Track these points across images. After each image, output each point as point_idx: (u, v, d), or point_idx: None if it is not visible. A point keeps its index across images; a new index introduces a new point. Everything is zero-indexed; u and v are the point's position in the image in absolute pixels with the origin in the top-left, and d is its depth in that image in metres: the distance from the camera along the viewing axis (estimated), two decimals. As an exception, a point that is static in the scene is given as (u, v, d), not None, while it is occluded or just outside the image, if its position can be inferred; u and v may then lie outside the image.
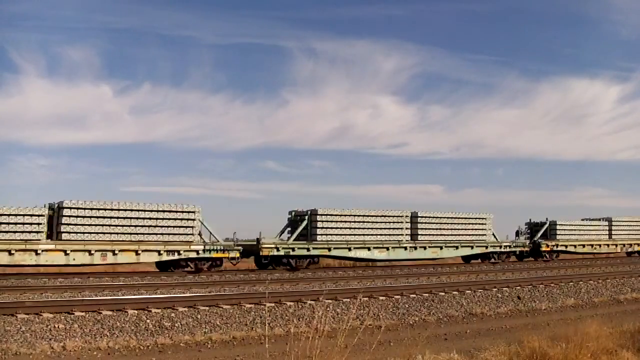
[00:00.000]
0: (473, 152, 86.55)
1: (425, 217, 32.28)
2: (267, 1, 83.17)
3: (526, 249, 36.38)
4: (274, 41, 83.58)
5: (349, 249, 29.14)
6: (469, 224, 33.98)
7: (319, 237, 28.46)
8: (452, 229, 32.94)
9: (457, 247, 32.83)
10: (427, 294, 16.70)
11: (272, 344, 11.09)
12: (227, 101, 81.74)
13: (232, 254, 26.04)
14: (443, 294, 16.95)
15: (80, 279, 21.37)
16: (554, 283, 20.21)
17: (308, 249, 27.98)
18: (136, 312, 12.53)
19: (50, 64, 74.87)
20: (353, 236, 29.43)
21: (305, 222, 28.78)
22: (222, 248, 25.90)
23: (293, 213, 29.65)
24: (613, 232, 41.60)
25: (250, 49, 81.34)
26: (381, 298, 15.79)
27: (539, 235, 37.99)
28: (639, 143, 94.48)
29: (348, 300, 15.12)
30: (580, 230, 39.93)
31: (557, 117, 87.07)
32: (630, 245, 42.27)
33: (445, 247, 32.29)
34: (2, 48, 72.34)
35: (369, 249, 29.68)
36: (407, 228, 31.38)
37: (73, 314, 12.09)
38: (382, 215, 30.71)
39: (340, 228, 29.20)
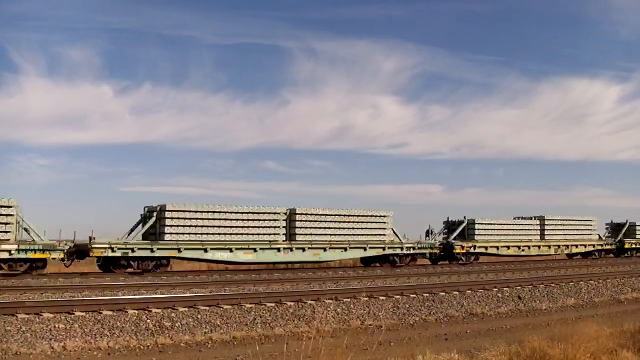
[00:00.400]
0: (473, 152, 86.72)
1: (305, 214, 28.79)
2: (267, 1, 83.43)
3: (436, 250, 32.54)
4: (274, 41, 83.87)
5: (205, 250, 25.81)
6: (363, 222, 30.41)
7: (166, 236, 25.28)
8: (339, 228, 29.53)
9: (345, 249, 29.21)
10: (427, 294, 16.70)
11: (272, 344, 11.11)
12: (227, 101, 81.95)
13: (54, 255, 22.86)
14: (443, 294, 16.95)
15: (80, 279, 21.39)
16: (555, 283, 20.22)
17: (152, 250, 24.58)
18: (136, 312, 12.53)
19: (51, 63, 75.12)
20: (210, 235, 26.15)
21: (153, 219, 25.76)
22: (41, 248, 22.66)
23: (146, 209, 26.62)
24: (546, 232, 37.96)
25: (250, 49, 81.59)
26: (381, 298, 15.79)
27: (454, 235, 34.29)
28: (639, 143, 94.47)
29: (348, 300, 15.13)
30: (504, 229, 36.09)
31: (557, 117, 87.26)
32: (567, 246, 38.51)
33: (330, 248, 28.70)
34: (2, 48, 72.53)
35: (230, 250, 26.31)
36: (283, 227, 28.16)
37: (73, 313, 12.09)
38: (249, 212, 27.34)
39: (195, 226, 25.92)
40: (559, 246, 38.03)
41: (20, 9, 68.24)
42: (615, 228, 43.66)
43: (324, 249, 28.67)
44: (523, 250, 36.17)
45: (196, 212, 26.13)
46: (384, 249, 30.44)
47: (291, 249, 27.87)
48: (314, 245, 28.43)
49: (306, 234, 28.59)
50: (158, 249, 24.83)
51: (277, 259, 27.79)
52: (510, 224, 36.89)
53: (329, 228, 29.29)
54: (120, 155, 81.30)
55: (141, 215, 26.62)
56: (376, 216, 31.06)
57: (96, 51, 76.76)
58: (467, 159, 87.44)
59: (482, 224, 35.18)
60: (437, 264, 32.79)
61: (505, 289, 18.33)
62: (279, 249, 27.55)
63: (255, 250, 26.91)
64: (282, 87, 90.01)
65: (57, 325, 11.41)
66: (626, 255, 41.55)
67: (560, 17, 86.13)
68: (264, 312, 13.62)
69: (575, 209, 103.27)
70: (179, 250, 25.31)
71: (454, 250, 32.82)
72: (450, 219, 35.99)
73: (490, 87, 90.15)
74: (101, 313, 12.25)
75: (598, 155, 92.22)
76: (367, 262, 31.05)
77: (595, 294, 19.50)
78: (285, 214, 28.49)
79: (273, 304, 14.14)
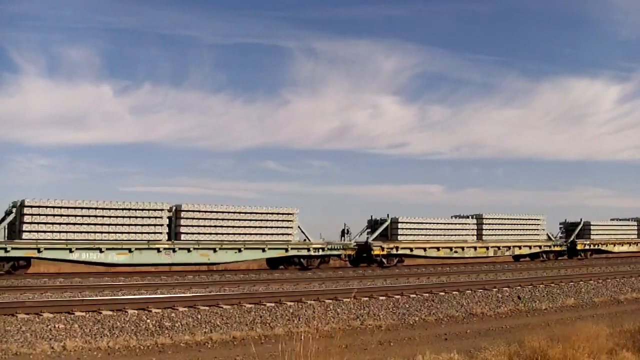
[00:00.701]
0: (473, 152, 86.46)
1: (192, 211, 25.84)
2: (267, 1, 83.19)
3: (350, 252, 29.23)
4: (274, 41, 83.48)
5: (70, 251, 22.92)
6: (262, 220, 27.27)
7: (25, 235, 22.64)
8: (233, 227, 26.44)
9: (239, 250, 26.23)
10: (427, 294, 16.71)
11: (272, 344, 11.11)
12: (227, 101, 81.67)
13: None
14: (443, 293, 16.96)
15: (80, 279, 21.38)
16: (554, 283, 20.22)
17: (6, 250, 21.88)
18: (136, 312, 12.54)
19: (51, 63, 74.85)
20: (78, 234, 23.37)
21: (12, 216, 23.02)
22: None
23: (10, 204, 23.85)
24: (484, 232, 34.40)
25: (250, 49, 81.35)
26: (381, 298, 15.80)
27: (375, 235, 31.26)
28: (639, 143, 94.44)
29: (348, 300, 15.14)
30: (434, 229, 32.65)
31: (557, 117, 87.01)
32: (509, 247, 34.99)
33: (221, 249, 25.73)
34: (2, 48, 72.33)
35: (101, 250, 23.41)
36: (166, 225, 25.21)
37: (73, 313, 12.09)
38: (124, 209, 24.41)
39: (59, 224, 23.12)
40: (498, 247, 34.58)
41: (20, 9, 68.17)
42: (568, 228, 40.30)
43: (214, 250, 25.72)
44: (456, 252, 32.80)
45: (60, 208, 23.36)
46: (286, 249, 27.33)
47: (174, 250, 24.92)
48: (201, 246, 25.45)
49: (193, 233, 25.59)
50: (13, 248, 22.16)
51: (158, 261, 24.93)
52: (442, 223, 33.39)
53: (221, 227, 26.22)
54: (120, 155, 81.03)
55: (5, 211, 23.91)
56: (278, 214, 27.84)
57: (96, 51, 76.57)
58: (467, 159, 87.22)
59: (406, 222, 31.93)
60: (358, 265, 30.02)
61: (505, 289, 18.34)
62: (159, 250, 24.61)
63: (130, 250, 24.07)
64: (282, 87, 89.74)
65: (57, 325, 11.42)
66: (579, 257, 38.15)
67: (560, 17, 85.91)
68: (264, 312, 13.63)
69: (576, 209, 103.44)
70: (39, 251, 22.60)
71: (373, 252, 29.73)
72: (373, 217, 32.63)
73: (490, 87, 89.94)
74: (101, 313, 12.25)
75: (598, 155, 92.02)
76: (273, 264, 28.14)
77: (595, 294, 19.51)
78: (170, 211, 25.56)
79: (273, 304, 14.15)
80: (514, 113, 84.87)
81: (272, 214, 27.70)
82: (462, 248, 33.08)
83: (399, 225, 31.53)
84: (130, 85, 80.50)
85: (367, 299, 15.54)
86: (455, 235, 33.42)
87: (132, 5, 77.30)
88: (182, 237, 25.39)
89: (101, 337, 11.32)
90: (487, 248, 34.17)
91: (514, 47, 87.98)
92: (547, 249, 37.04)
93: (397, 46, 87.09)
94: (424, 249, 31.67)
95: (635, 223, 42.56)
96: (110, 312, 12.36)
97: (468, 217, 34.90)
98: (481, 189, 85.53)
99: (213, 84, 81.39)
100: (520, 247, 35.75)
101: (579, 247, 38.38)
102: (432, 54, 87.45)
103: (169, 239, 25.23)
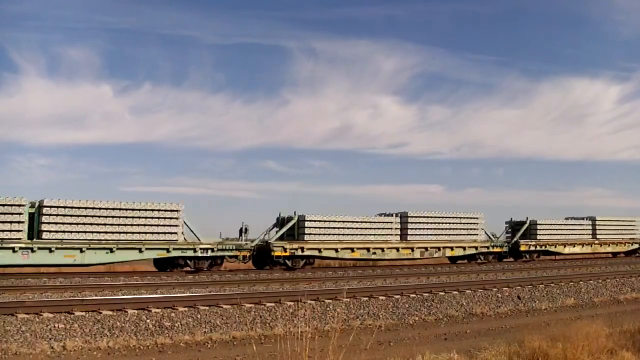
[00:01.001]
0: (473, 152, 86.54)
1: (57, 207, 23.31)
2: (267, 1, 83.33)
3: (245, 252, 26.76)
4: (274, 41, 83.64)
5: None
6: (139, 217, 24.69)
7: None
8: (105, 224, 24.02)
9: (111, 250, 23.75)
10: (427, 294, 16.72)
11: (272, 344, 11.10)
12: (227, 101, 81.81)
13: None
14: (443, 293, 16.96)
15: (80, 278, 21.40)
16: (554, 283, 20.22)
17: None
18: (136, 312, 12.55)
19: (51, 63, 74.97)
20: None
21: None
22: None
23: None
24: (409, 232, 31.79)
25: (250, 49, 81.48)
26: (381, 298, 15.80)
27: (280, 233, 28.61)
28: (639, 143, 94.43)
29: (348, 300, 15.15)
30: (349, 228, 29.97)
31: (557, 117, 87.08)
32: (438, 249, 32.26)
33: (90, 249, 23.36)
34: (3, 48, 72.46)
35: None
36: (27, 222, 22.79)
37: (73, 313, 12.10)
38: None
39: None
40: (426, 248, 31.92)
41: (20, 9, 68.27)
42: (514, 227, 37.62)
43: (81, 250, 23.28)
44: (374, 253, 30.24)
45: None
46: (168, 250, 24.96)
47: (32, 250, 22.50)
48: (65, 245, 23.02)
49: (58, 231, 23.16)
50: None
51: (13, 262, 22.33)
52: (359, 222, 30.54)
53: (91, 224, 23.81)
54: (120, 155, 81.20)
55: None
56: (159, 210, 25.16)
57: (96, 51, 76.72)
58: (467, 159, 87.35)
59: (315, 221, 29.13)
60: (263, 268, 27.70)
61: (504, 288, 18.35)
62: (14, 250, 22.16)
63: None
64: (282, 87, 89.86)
65: (57, 325, 11.42)
66: (524, 259, 35.41)
67: (561, 18, 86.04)
68: (264, 312, 13.63)
69: (575, 210, 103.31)
70: None
71: (273, 253, 27.29)
72: (281, 215, 29.80)
73: (490, 87, 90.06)
74: (101, 313, 12.26)
75: (598, 155, 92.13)
76: (161, 266, 25.74)
77: (594, 294, 19.52)
78: (32, 207, 23.20)
79: (273, 304, 14.16)
80: (514, 113, 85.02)
81: (151, 210, 25.01)
82: (382, 249, 30.54)
83: (306, 224, 28.79)
84: (130, 85, 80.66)
85: (366, 298, 15.55)
86: (376, 235, 30.84)
87: (132, 5, 77.43)
88: (45, 235, 23.03)
89: (101, 337, 11.33)
90: (412, 249, 31.58)
91: (514, 47, 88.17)
92: (484, 249, 34.29)
93: (397, 46, 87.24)
94: (336, 249, 29.10)
95: (590, 222, 39.86)
96: (110, 312, 12.36)
97: (392, 215, 32.17)
98: (481, 189, 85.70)
99: (213, 84, 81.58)
100: (452, 249, 32.92)
101: (522, 248, 35.69)
102: (432, 54, 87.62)
103: (30, 237, 22.90)
